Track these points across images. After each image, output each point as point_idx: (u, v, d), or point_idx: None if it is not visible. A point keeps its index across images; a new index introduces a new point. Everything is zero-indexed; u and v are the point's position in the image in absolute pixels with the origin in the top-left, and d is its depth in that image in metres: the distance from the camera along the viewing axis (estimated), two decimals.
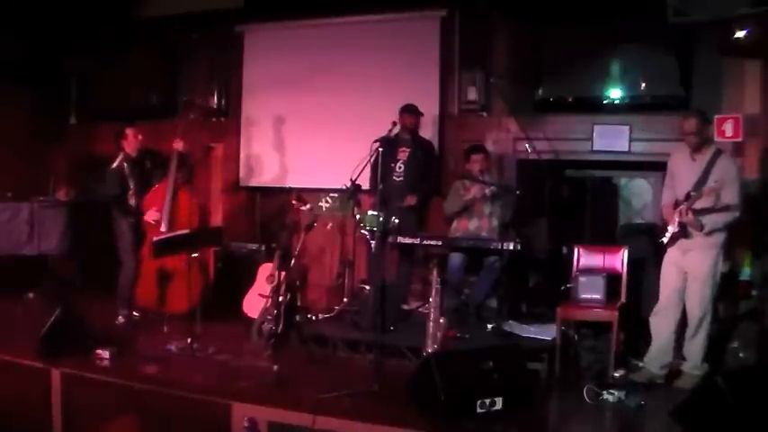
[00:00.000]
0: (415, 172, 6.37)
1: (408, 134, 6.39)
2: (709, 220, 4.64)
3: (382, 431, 4.01)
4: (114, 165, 6.39)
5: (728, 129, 5.81)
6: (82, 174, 8.44)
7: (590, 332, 5.47)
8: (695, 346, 4.77)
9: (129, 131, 6.43)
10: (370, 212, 5.89)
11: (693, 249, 4.72)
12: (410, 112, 6.38)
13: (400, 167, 6.38)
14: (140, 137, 6.45)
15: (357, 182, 5.94)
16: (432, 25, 7.02)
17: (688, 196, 4.65)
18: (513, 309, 6.09)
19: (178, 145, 6.51)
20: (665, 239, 4.81)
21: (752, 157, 5.90)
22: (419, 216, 6.42)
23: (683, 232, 4.72)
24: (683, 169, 4.82)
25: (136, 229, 6.37)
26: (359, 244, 6.62)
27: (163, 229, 6.25)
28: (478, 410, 4.05)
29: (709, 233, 4.65)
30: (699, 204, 4.62)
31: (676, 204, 4.74)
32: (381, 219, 5.63)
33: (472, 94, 6.79)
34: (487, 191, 6.01)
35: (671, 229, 4.76)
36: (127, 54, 8.22)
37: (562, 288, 5.81)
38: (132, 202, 6.36)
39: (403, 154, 6.40)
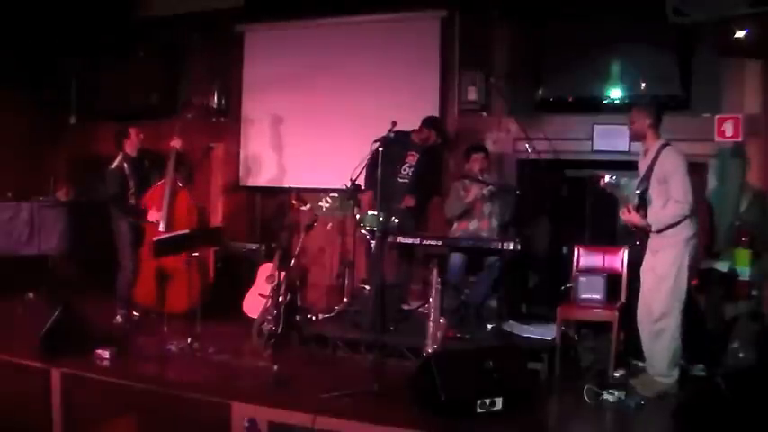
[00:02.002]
0: (420, 176, 6.38)
1: (420, 141, 6.36)
2: (655, 218, 4.56)
3: (382, 431, 4.01)
4: (114, 165, 6.37)
5: (728, 129, 5.81)
6: (82, 174, 8.44)
7: (590, 332, 5.48)
8: (659, 350, 4.59)
9: (132, 131, 6.43)
10: (370, 212, 5.89)
11: (660, 250, 4.62)
12: (435, 129, 6.33)
13: (405, 170, 6.37)
14: (141, 137, 6.45)
15: (357, 182, 5.94)
16: (432, 25, 7.03)
17: (639, 196, 4.59)
18: (513, 309, 6.09)
19: (176, 143, 6.51)
20: (637, 241, 4.76)
21: (753, 158, 5.91)
22: (417, 218, 6.42)
23: (641, 232, 4.66)
24: (640, 166, 4.78)
25: (135, 229, 6.37)
26: (359, 244, 6.62)
27: (161, 228, 6.25)
28: (478, 410, 4.05)
29: (663, 230, 4.54)
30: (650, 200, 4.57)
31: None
32: (381, 219, 5.63)
33: (472, 94, 6.80)
34: (485, 191, 5.99)
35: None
36: (127, 54, 8.22)
37: (562, 288, 5.81)
38: (132, 201, 6.36)
39: (412, 158, 6.37)
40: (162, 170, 6.49)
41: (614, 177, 4.69)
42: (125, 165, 6.37)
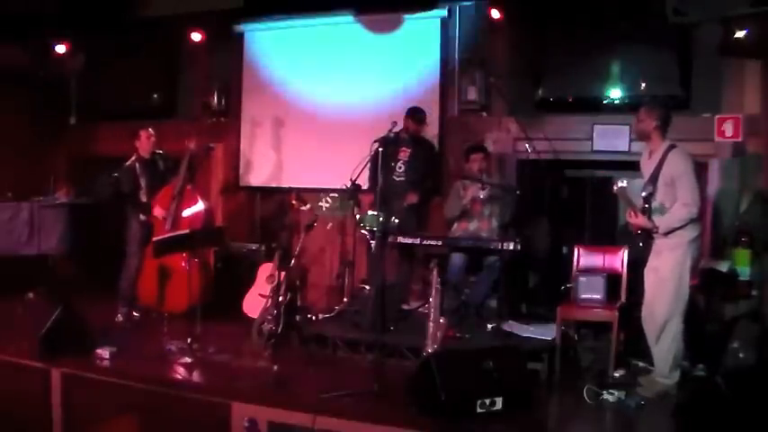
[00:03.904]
0: (415, 172, 6.37)
1: (409, 135, 6.39)
2: (662, 221, 4.51)
3: (382, 431, 4.02)
4: (127, 163, 6.45)
5: (728, 129, 5.82)
6: (82, 174, 8.44)
7: (590, 332, 5.48)
8: (660, 352, 4.58)
9: (142, 133, 6.47)
10: (370, 212, 5.89)
11: (663, 251, 4.58)
12: (411, 117, 6.33)
13: (400, 167, 6.39)
14: (153, 139, 6.48)
15: (357, 182, 5.94)
16: (432, 25, 7.02)
17: (645, 199, 4.55)
18: (513, 309, 6.09)
19: (193, 145, 6.54)
20: (640, 243, 4.73)
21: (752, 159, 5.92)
22: (419, 216, 6.42)
23: (644, 234, 4.63)
24: (644, 167, 4.74)
25: (145, 228, 6.40)
26: (359, 244, 6.62)
27: (167, 227, 6.28)
28: (478, 410, 4.05)
29: (669, 233, 4.50)
30: (655, 204, 4.53)
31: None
32: (381, 219, 5.63)
33: (472, 94, 6.80)
34: (482, 194, 5.98)
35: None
36: (127, 54, 8.23)
37: (562, 288, 5.81)
38: (144, 200, 6.39)
39: (404, 154, 6.40)
40: (175, 172, 6.53)
41: (626, 182, 4.67)
42: (137, 165, 6.42)
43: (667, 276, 4.54)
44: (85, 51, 8.44)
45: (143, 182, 6.40)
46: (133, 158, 6.46)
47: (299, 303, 6.14)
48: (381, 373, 4.62)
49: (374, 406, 4.24)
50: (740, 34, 5.38)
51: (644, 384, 4.64)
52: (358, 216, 6.02)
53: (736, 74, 6.02)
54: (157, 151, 6.55)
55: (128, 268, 6.44)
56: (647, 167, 4.67)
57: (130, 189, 6.40)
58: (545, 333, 5.33)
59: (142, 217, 6.40)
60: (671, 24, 5.24)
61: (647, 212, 4.56)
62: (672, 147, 4.58)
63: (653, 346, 4.66)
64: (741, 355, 4.93)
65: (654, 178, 4.56)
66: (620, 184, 4.59)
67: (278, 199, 7.52)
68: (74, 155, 8.68)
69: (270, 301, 5.62)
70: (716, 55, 5.88)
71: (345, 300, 6.34)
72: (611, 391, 4.46)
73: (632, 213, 4.59)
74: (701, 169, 5.89)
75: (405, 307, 6.19)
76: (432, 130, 6.85)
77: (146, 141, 6.45)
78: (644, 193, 4.58)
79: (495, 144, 6.73)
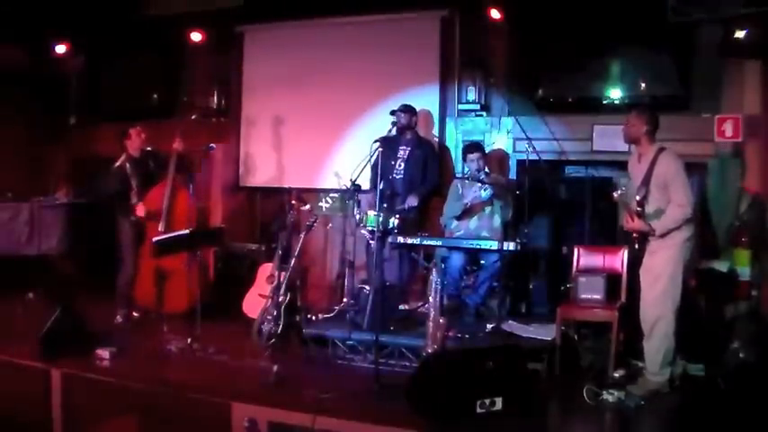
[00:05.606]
0: (414, 171, 6.38)
1: (407, 133, 6.39)
2: (659, 224, 4.53)
3: (382, 431, 4.02)
4: (117, 164, 6.41)
5: (728, 129, 5.82)
6: (82, 174, 8.44)
7: (590, 332, 5.48)
8: (650, 349, 4.60)
9: (132, 131, 6.44)
10: (370, 212, 5.89)
11: (657, 250, 4.61)
12: (399, 110, 6.36)
13: (400, 165, 6.40)
14: (144, 136, 6.46)
15: (357, 182, 5.94)
16: (432, 25, 7.03)
17: (640, 203, 4.57)
18: (513, 309, 6.09)
19: (178, 145, 6.52)
20: (636, 246, 4.75)
21: (752, 159, 5.92)
22: (419, 216, 6.42)
23: (641, 237, 4.65)
24: (634, 171, 4.76)
25: (137, 229, 6.38)
26: (359, 244, 6.62)
27: (161, 229, 6.26)
28: (478, 410, 4.05)
29: (665, 234, 4.54)
30: (649, 207, 4.56)
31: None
32: (381, 219, 5.62)
33: (472, 94, 6.81)
34: (484, 194, 5.98)
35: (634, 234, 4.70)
36: (127, 54, 8.23)
37: (562, 288, 5.81)
38: (134, 201, 6.37)
39: (403, 152, 6.41)
40: (165, 171, 6.50)
41: (623, 188, 4.69)
42: (127, 164, 6.38)
43: (660, 274, 4.57)
44: (85, 51, 8.45)
45: (134, 182, 6.37)
46: (122, 158, 6.41)
47: (299, 303, 6.13)
48: (381, 373, 4.62)
49: (374, 406, 4.25)
50: (740, 34, 5.38)
51: (637, 383, 4.64)
52: (358, 216, 6.02)
53: (736, 74, 6.02)
54: (147, 149, 6.53)
55: (124, 270, 6.41)
56: (638, 171, 4.69)
57: (121, 190, 6.34)
58: (545, 333, 5.33)
59: (133, 218, 6.37)
60: (671, 24, 5.24)
61: (642, 215, 4.57)
62: (661, 149, 4.61)
63: (646, 343, 4.67)
64: (741, 355, 4.95)
65: (646, 181, 4.58)
66: (619, 192, 4.62)
67: (278, 199, 7.52)
68: (74, 155, 8.67)
69: (270, 301, 5.62)
70: (716, 55, 5.89)
71: (345, 300, 6.34)
72: (611, 391, 4.46)
73: (629, 219, 4.60)
74: (700, 169, 5.92)
75: (405, 307, 6.18)
76: (432, 130, 6.86)
77: (136, 139, 6.42)
78: (638, 197, 4.59)
79: (495, 144, 6.74)
